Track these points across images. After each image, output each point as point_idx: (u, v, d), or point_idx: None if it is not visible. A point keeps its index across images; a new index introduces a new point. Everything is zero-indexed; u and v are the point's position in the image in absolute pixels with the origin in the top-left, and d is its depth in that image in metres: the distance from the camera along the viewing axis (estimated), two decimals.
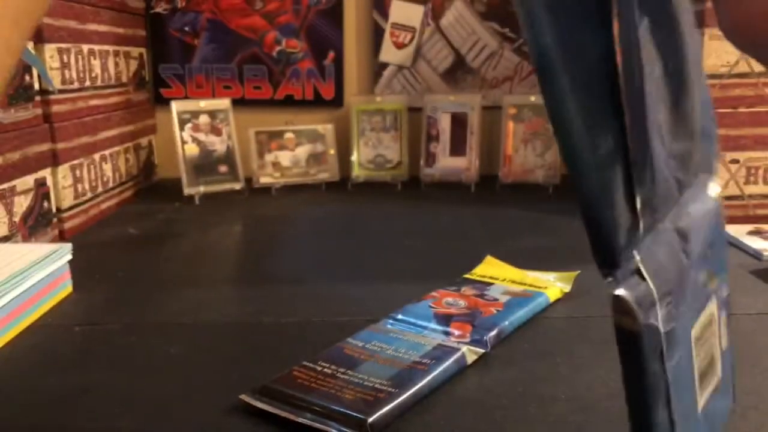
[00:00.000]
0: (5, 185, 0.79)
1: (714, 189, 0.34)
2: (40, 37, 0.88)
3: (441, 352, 0.51)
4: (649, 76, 0.27)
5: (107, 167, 1.08)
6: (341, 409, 0.43)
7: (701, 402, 0.32)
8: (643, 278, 0.27)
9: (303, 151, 1.24)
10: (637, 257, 0.27)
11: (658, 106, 0.28)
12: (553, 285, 0.66)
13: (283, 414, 0.44)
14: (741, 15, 0.26)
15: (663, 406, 0.29)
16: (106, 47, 1.10)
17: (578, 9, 0.23)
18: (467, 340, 0.54)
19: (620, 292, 0.26)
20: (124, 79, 1.19)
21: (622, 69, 0.25)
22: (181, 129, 1.15)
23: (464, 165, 1.23)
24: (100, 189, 1.05)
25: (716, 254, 0.34)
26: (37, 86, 0.87)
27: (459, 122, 1.24)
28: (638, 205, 0.27)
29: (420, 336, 0.55)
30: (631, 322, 0.27)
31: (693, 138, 0.32)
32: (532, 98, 1.23)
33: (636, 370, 0.28)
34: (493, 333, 0.55)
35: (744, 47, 0.27)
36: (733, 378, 0.38)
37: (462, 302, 0.61)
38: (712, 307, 0.33)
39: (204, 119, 1.18)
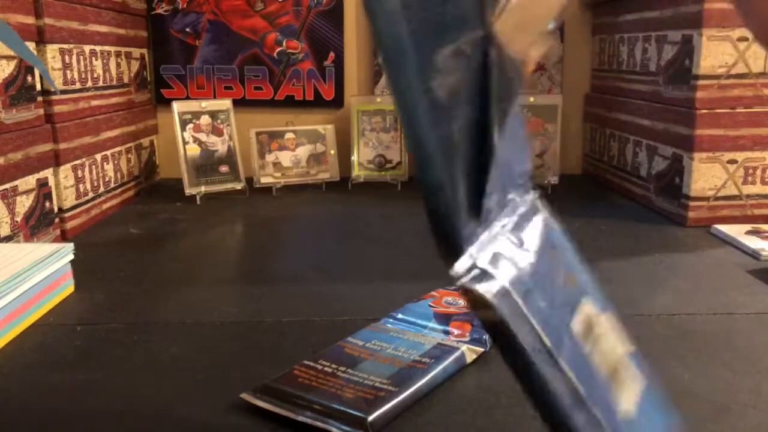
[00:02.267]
0: (7, 185, 0.79)
1: (536, 202, 0.34)
2: (41, 37, 0.89)
3: (440, 351, 0.52)
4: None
5: (109, 167, 1.09)
6: (341, 408, 0.44)
7: (627, 406, 0.31)
8: (486, 272, 0.27)
9: (303, 151, 1.25)
10: (478, 250, 0.27)
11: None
12: None
13: (284, 412, 0.44)
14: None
15: (574, 400, 0.28)
16: (107, 48, 1.10)
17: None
18: (467, 339, 0.55)
19: (468, 283, 0.26)
20: (126, 79, 1.19)
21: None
22: (183, 129, 1.16)
23: None
24: (101, 189, 1.05)
25: (564, 256, 0.34)
26: (39, 87, 0.88)
27: None
28: (484, 201, 0.27)
29: (420, 335, 0.55)
30: (491, 314, 0.26)
31: (516, 152, 0.32)
32: (531, 99, 1.23)
33: (520, 361, 0.27)
34: None
35: None
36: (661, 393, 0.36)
37: (461, 301, 0.62)
38: (587, 308, 0.32)
39: (205, 120, 1.18)
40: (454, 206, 0.26)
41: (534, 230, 0.32)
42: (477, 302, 0.26)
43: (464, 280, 0.26)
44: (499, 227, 0.29)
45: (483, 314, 0.27)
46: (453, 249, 0.26)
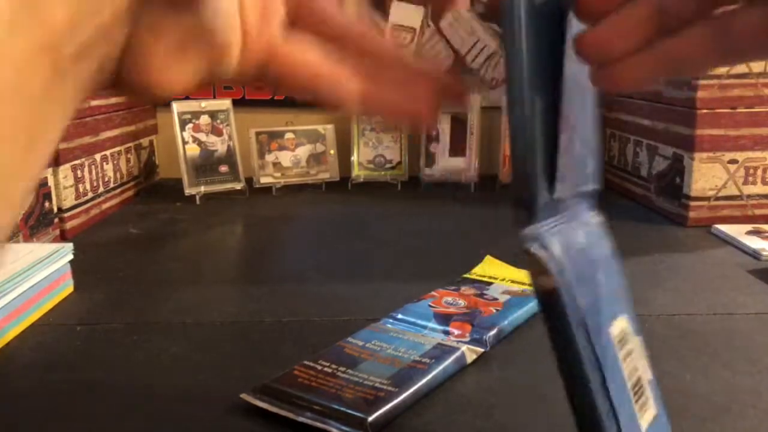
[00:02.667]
0: None
1: (595, 217, 0.35)
2: None
3: (440, 352, 0.52)
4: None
5: (108, 167, 1.09)
6: (341, 408, 0.44)
7: (642, 423, 0.32)
8: (550, 244, 0.29)
9: (303, 151, 1.24)
10: (547, 224, 0.29)
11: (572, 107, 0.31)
12: None
13: (284, 413, 0.44)
14: None
15: (600, 389, 0.29)
16: None
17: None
18: (467, 339, 0.54)
19: (534, 247, 0.28)
20: None
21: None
22: (182, 129, 1.16)
23: (464, 165, 1.24)
24: (101, 189, 1.05)
25: (614, 272, 0.35)
26: None
27: (459, 123, 1.24)
28: (557, 177, 0.29)
29: (420, 335, 0.55)
30: (547, 280, 0.28)
31: (589, 150, 0.34)
32: None
33: (563, 334, 0.29)
34: (493, 332, 0.55)
35: None
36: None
37: (461, 302, 0.62)
38: (624, 323, 0.33)
39: (205, 119, 1.18)
40: (534, 174, 0.28)
41: (596, 238, 0.34)
42: (536, 267, 0.28)
43: (530, 243, 0.28)
44: (567, 219, 0.31)
45: (540, 280, 0.28)
46: (528, 213, 0.29)
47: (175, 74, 0.26)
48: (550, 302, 0.28)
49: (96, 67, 0.22)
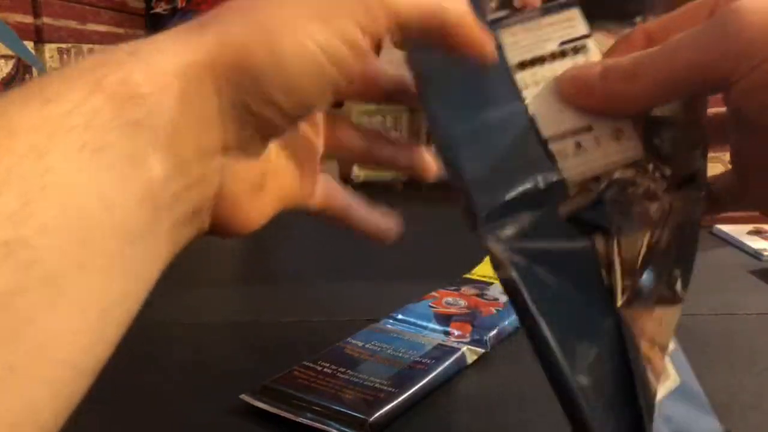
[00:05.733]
0: None
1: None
2: (39, 37, 0.88)
3: (441, 352, 0.51)
4: None
5: None
6: (341, 409, 0.43)
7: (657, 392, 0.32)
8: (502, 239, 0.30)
9: None
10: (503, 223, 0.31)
11: None
12: None
13: (284, 414, 0.44)
14: None
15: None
16: (106, 47, 1.10)
17: None
18: (467, 339, 0.54)
19: (489, 241, 0.30)
20: None
21: None
22: None
23: None
24: None
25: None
26: None
27: None
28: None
29: (420, 336, 0.55)
30: (503, 271, 0.30)
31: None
32: None
33: (528, 322, 0.29)
34: (493, 333, 0.55)
35: None
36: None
37: (462, 302, 0.61)
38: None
39: None
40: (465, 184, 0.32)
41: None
42: (494, 260, 0.30)
43: (484, 240, 0.30)
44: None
45: (499, 272, 0.30)
46: (474, 218, 0.31)
47: (252, 212, 0.32)
48: (510, 292, 0.29)
49: (191, 210, 0.27)
